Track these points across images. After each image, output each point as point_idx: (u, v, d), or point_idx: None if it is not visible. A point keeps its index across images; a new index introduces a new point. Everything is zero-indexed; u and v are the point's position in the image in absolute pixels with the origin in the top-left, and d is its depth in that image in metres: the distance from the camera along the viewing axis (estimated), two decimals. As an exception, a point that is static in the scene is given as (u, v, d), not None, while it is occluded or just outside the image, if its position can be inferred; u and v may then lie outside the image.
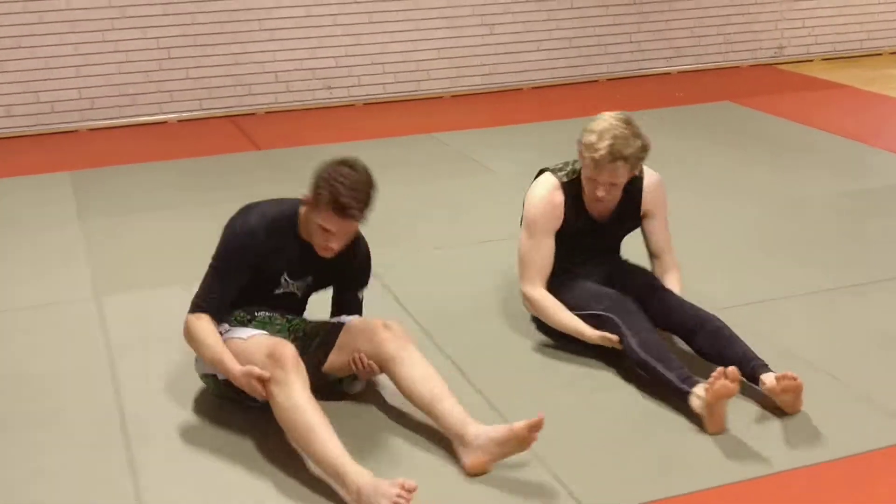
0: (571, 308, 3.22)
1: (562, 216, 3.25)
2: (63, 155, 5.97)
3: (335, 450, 2.48)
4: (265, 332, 2.85)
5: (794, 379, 2.80)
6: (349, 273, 3.05)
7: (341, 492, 2.47)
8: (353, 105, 6.98)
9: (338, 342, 2.91)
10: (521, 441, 2.57)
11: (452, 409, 2.66)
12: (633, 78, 7.67)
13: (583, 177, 3.19)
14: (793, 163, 5.43)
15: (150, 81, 6.52)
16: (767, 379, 2.86)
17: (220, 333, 2.81)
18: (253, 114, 6.74)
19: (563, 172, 3.27)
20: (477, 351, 3.35)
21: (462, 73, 7.23)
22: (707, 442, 2.77)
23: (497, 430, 2.59)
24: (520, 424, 2.56)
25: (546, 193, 3.24)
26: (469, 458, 2.61)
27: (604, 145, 3.02)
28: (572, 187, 3.24)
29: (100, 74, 6.42)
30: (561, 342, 3.30)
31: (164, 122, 6.59)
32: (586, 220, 3.28)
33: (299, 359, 2.66)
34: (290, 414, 2.55)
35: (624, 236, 3.44)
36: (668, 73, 7.79)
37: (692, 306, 3.15)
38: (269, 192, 5.26)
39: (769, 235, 4.38)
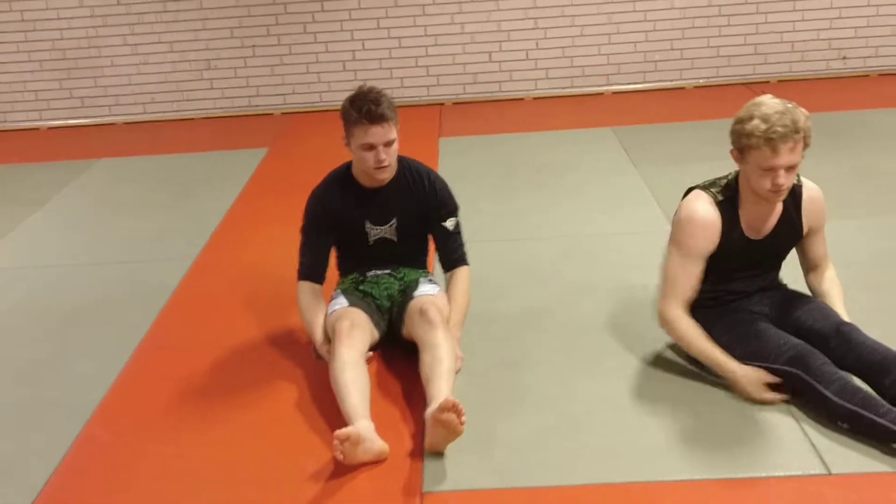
0: (746, 358, 2.94)
1: (717, 238, 2.99)
2: (595, 114, 6.63)
3: (352, 404, 2.82)
4: (347, 304, 3.27)
5: None
6: (429, 206, 3.34)
7: None
8: (867, 76, 7.00)
9: (405, 317, 3.26)
10: (447, 425, 2.67)
11: (433, 391, 2.84)
12: None
13: (751, 175, 2.88)
14: None
15: (674, 49, 7.01)
16: None
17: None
18: (766, 82, 7.00)
19: (715, 189, 3.03)
20: None
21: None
22: None
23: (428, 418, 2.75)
24: (431, 408, 2.72)
25: (702, 214, 2.98)
26: (425, 438, 2.79)
27: (777, 121, 2.74)
28: (728, 205, 3.00)
29: (626, 42, 7.02)
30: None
31: (681, 88, 7.07)
32: (741, 238, 3.01)
33: (353, 330, 3.10)
34: (332, 374, 2.96)
35: (784, 255, 3.16)
36: None
37: (879, 344, 2.82)
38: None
39: None
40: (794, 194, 3.03)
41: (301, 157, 5.99)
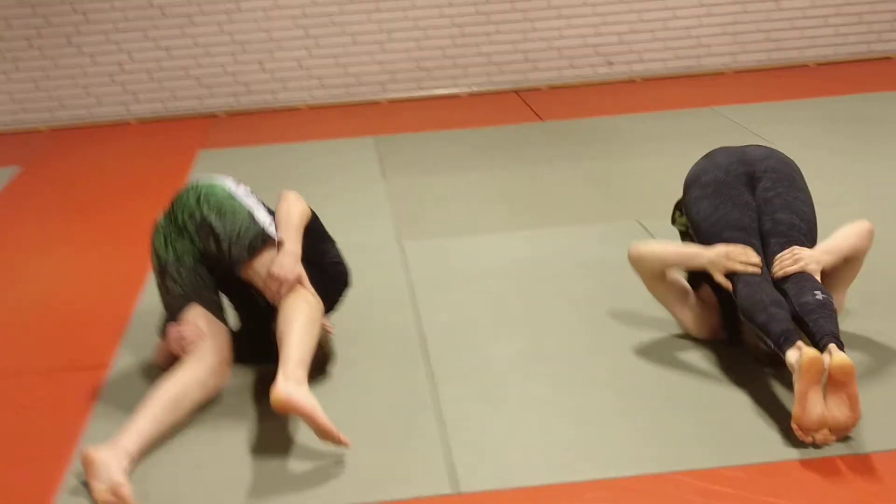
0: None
1: None
2: (367, 122, 6.62)
3: (158, 430, 2.76)
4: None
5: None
6: None
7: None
8: (633, 81, 7.20)
9: None
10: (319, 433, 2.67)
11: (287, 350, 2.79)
12: (929, 54, 7.36)
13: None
14: None
15: (446, 57, 7.05)
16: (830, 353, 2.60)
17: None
18: (538, 88, 7.12)
19: None
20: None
21: (745, 48, 7.24)
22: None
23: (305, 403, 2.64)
24: (322, 425, 2.64)
25: None
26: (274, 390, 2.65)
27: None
28: None
29: (399, 50, 7.03)
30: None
31: (456, 96, 7.12)
32: None
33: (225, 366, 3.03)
34: (186, 379, 2.89)
35: None
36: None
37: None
38: (547, 157, 5.66)
39: None
40: None
41: (57, 176, 5.74)
